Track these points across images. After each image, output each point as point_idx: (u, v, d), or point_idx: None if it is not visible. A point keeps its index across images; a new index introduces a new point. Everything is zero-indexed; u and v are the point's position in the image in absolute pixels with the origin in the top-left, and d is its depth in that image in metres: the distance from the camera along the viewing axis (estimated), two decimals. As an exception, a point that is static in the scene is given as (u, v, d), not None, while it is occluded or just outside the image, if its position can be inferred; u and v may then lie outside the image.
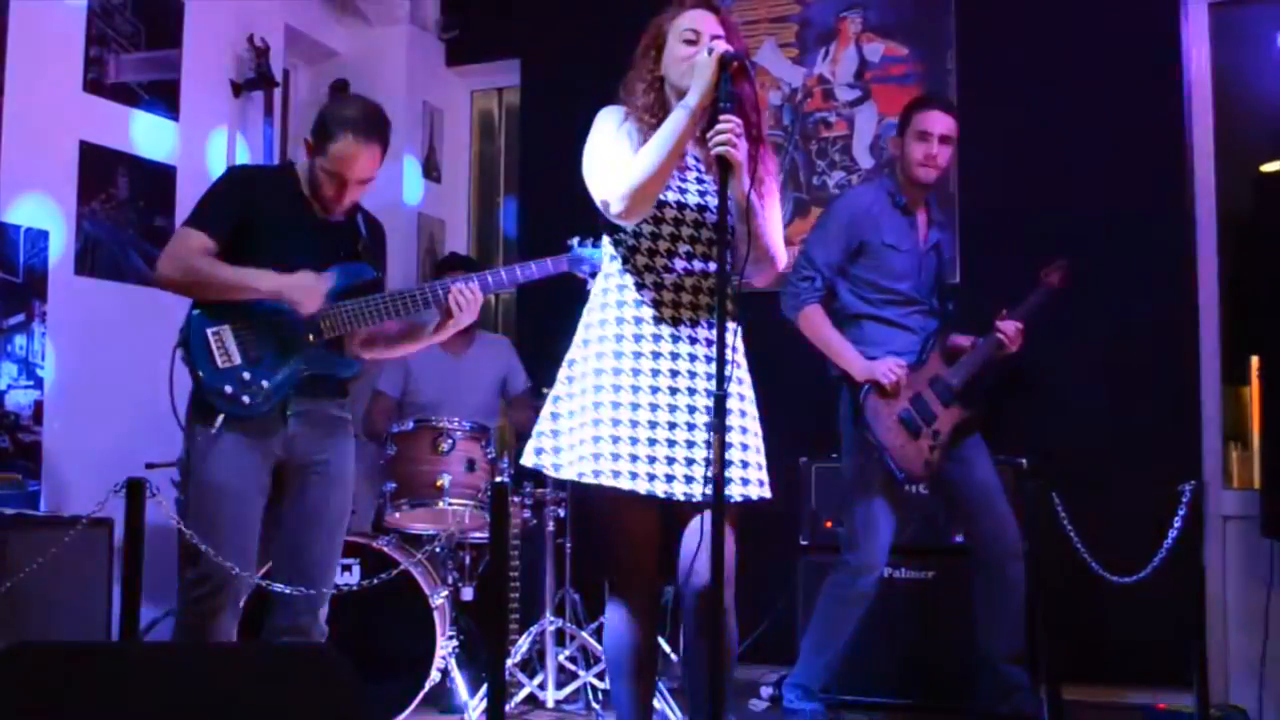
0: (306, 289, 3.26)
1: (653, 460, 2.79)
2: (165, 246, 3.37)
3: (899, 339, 4.07)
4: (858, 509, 4.07)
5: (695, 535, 2.80)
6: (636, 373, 2.82)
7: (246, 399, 3.24)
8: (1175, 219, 4.83)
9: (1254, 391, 4.67)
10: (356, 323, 3.35)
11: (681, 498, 2.80)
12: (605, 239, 2.98)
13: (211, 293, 3.25)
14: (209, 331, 3.26)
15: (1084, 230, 4.78)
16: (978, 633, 4.09)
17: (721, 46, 2.74)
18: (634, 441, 2.79)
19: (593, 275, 3.20)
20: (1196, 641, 3.72)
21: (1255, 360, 4.64)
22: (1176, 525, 3.61)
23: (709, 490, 2.65)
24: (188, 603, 3.26)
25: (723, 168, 2.67)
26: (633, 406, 2.80)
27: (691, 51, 2.81)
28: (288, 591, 3.26)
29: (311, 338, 3.31)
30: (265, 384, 3.26)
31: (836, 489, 4.44)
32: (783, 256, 2.96)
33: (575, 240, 3.47)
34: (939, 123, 4.08)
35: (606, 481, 2.78)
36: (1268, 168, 4.56)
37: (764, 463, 2.92)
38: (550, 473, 2.92)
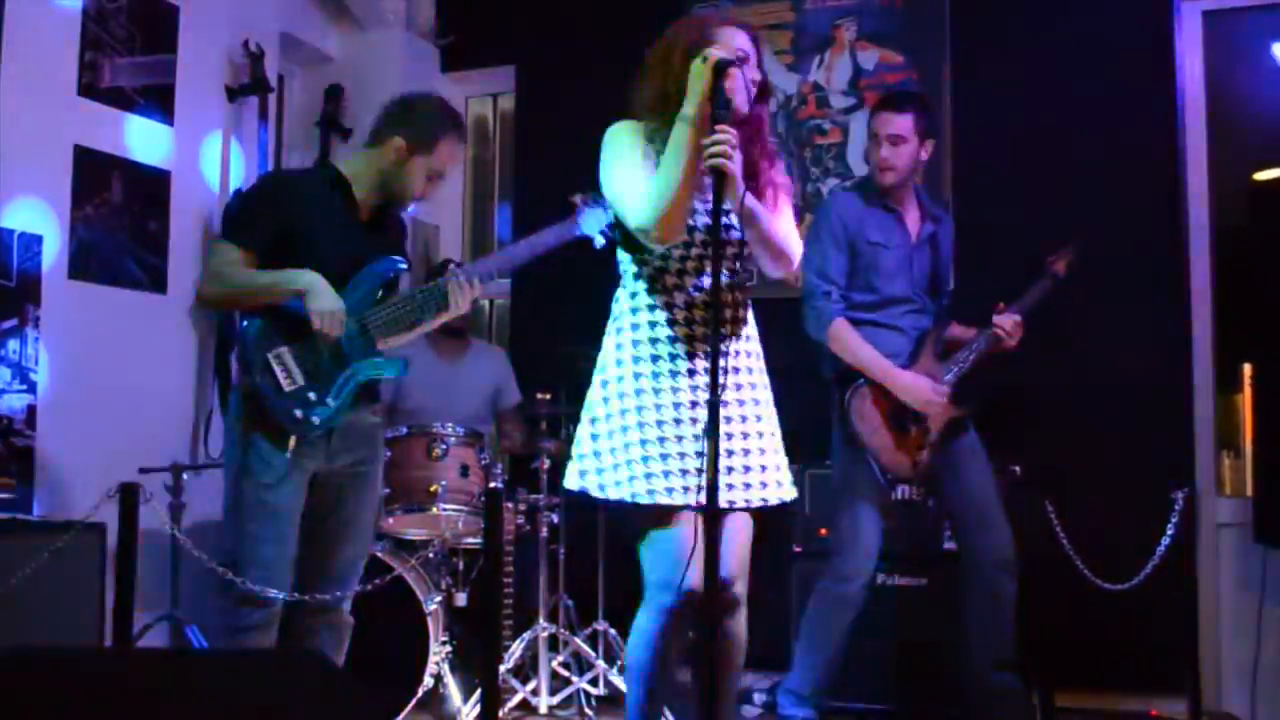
0: (329, 300, 3.20)
1: (685, 474, 2.85)
2: (205, 265, 3.36)
3: (891, 341, 4.04)
4: (844, 513, 4.05)
5: (733, 538, 2.93)
6: (675, 390, 2.90)
7: (316, 419, 3.24)
8: (1168, 227, 4.85)
9: (1246, 399, 4.68)
10: (402, 322, 3.36)
11: (725, 505, 2.86)
12: (626, 258, 3.01)
13: (255, 301, 3.24)
14: (270, 356, 3.22)
15: (1077, 236, 4.79)
16: (968, 640, 4.07)
17: (717, 53, 2.74)
18: (681, 457, 2.85)
19: (607, 238, 3.21)
20: (1189, 648, 3.74)
21: (1248, 368, 4.66)
22: (1169, 532, 3.63)
23: (749, 496, 2.92)
24: (233, 627, 3.22)
25: (717, 180, 2.67)
26: (675, 423, 2.88)
27: (734, 72, 2.78)
28: (319, 598, 3.29)
29: (366, 340, 3.30)
30: (331, 400, 3.26)
31: (830, 496, 4.44)
32: (797, 251, 2.99)
33: (579, 197, 3.36)
34: (887, 124, 4.06)
35: (662, 500, 2.84)
36: (1261, 176, 4.57)
37: (784, 463, 3.06)
38: (596, 494, 2.95)
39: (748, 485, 2.94)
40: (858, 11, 5.40)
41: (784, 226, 2.95)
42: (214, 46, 5.08)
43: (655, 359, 2.91)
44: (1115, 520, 4.28)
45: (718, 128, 2.67)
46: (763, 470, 2.96)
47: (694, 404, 2.89)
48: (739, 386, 2.94)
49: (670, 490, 2.84)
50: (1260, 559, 4.48)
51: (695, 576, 2.79)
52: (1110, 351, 4.78)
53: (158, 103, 4.82)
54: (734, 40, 2.87)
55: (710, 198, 2.73)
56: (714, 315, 2.65)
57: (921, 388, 3.97)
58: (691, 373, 2.90)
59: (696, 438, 2.85)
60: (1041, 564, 3.71)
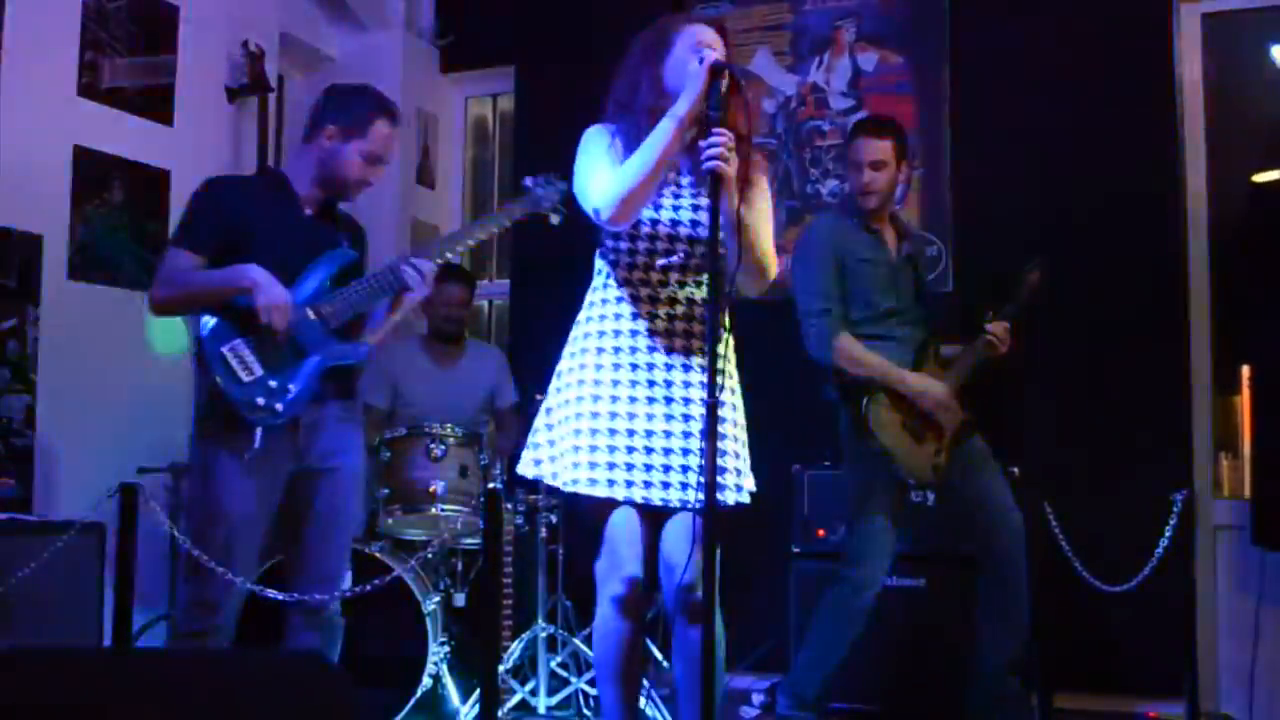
0: (275, 294, 3.22)
1: (630, 468, 2.87)
2: (156, 273, 3.37)
3: (890, 351, 4.07)
4: (861, 524, 4.05)
5: (678, 536, 2.88)
6: (619, 384, 2.91)
7: (279, 406, 3.24)
8: (1167, 228, 4.85)
9: (1245, 401, 4.68)
10: (357, 307, 3.38)
11: (659, 503, 2.88)
12: (597, 255, 3.04)
13: (209, 301, 3.25)
14: (224, 350, 3.24)
15: (1076, 238, 4.80)
16: (978, 640, 4.07)
17: (713, 56, 2.76)
18: (612, 450, 2.86)
19: (557, 214, 3.30)
20: (1187, 650, 3.74)
21: (1246, 370, 4.66)
22: (1167, 534, 3.63)
23: (691, 496, 2.81)
24: (187, 627, 3.25)
25: (714, 182, 2.67)
26: (611, 415, 2.89)
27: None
28: (305, 599, 3.29)
29: (322, 328, 3.31)
30: (293, 386, 3.26)
31: (829, 497, 4.45)
32: (773, 268, 2.98)
33: (529, 179, 3.47)
34: (865, 150, 4.10)
35: (587, 490, 2.87)
36: (1259, 178, 4.57)
37: (746, 468, 2.98)
38: (549, 480, 2.98)
39: (685, 485, 2.87)
40: (857, 13, 5.40)
41: (764, 242, 2.93)
42: (214, 47, 5.08)
43: (613, 350, 2.93)
44: (1113, 522, 4.28)
45: (715, 130, 2.68)
46: (721, 473, 2.84)
47: (645, 399, 2.89)
48: (694, 385, 2.91)
49: (612, 483, 2.86)
50: (1258, 561, 4.48)
51: (635, 564, 2.89)
52: (1108, 353, 4.79)
53: (157, 103, 4.82)
54: (702, 36, 2.90)
55: (678, 192, 2.78)
56: (712, 316, 2.64)
57: (935, 388, 4.01)
58: (651, 366, 2.91)
59: (649, 434, 2.88)
60: (1040, 565, 3.70)
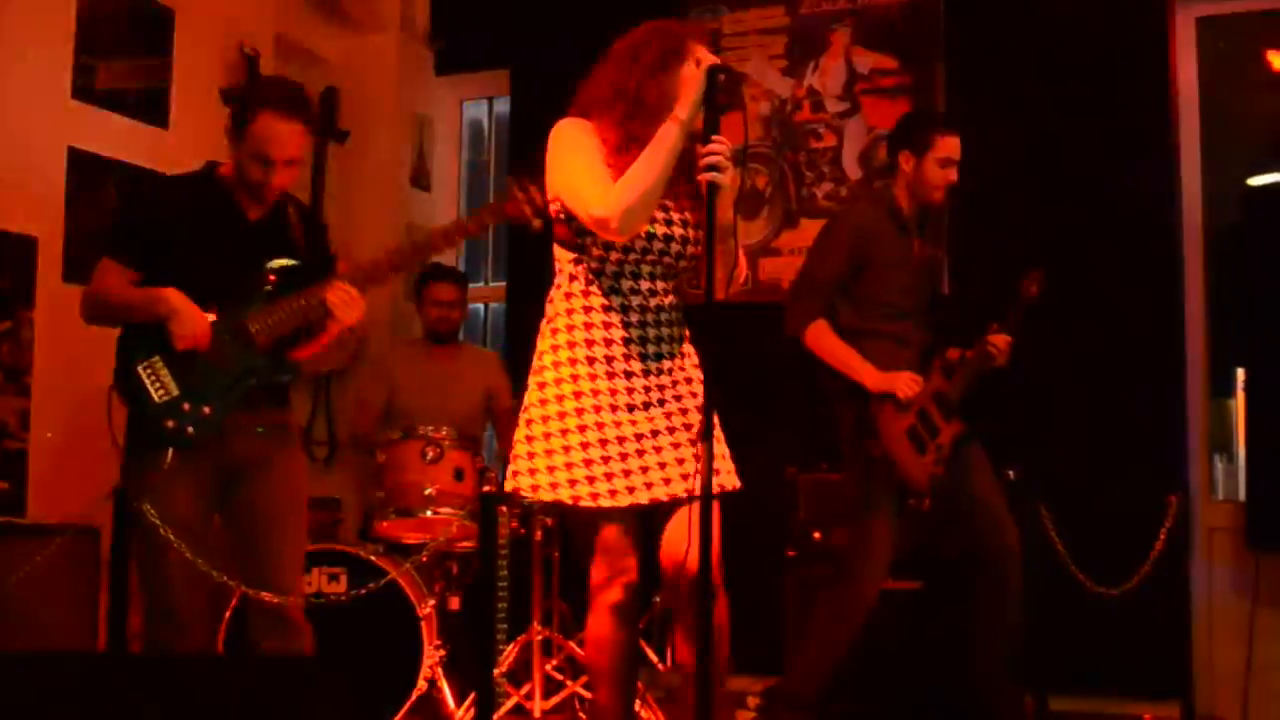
0: (190, 323, 3.10)
1: (628, 474, 2.87)
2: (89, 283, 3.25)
3: (902, 355, 4.06)
4: (861, 529, 4.04)
5: (680, 530, 2.86)
6: (613, 392, 2.89)
7: (191, 429, 3.12)
8: (1162, 231, 4.86)
9: (1239, 404, 4.69)
10: (287, 325, 3.19)
11: (650, 501, 2.89)
12: (565, 256, 2.98)
13: (116, 316, 3.17)
14: (139, 367, 3.14)
15: (1071, 241, 4.81)
16: (972, 642, 4.07)
17: (709, 59, 2.75)
18: (623, 458, 2.85)
19: (545, 220, 3.07)
20: (1182, 652, 3.75)
21: (1241, 373, 4.66)
22: (1162, 537, 3.64)
23: (690, 487, 2.82)
24: (155, 644, 3.17)
25: (710, 190, 2.64)
26: (615, 425, 2.87)
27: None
28: (263, 603, 3.18)
29: (249, 348, 3.16)
30: (207, 409, 3.13)
31: (826, 501, 4.44)
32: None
33: (512, 179, 3.13)
34: (955, 147, 4.08)
35: (605, 503, 2.85)
36: (1254, 181, 4.58)
37: (728, 452, 2.99)
38: (529, 495, 2.94)
39: (686, 476, 2.89)
40: (852, 16, 5.40)
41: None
42: (209, 49, 5.08)
43: (591, 360, 2.90)
44: (1108, 524, 4.29)
45: (714, 138, 2.65)
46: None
47: (631, 407, 2.89)
48: (675, 383, 2.95)
49: (614, 493, 2.85)
50: (1252, 564, 4.49)
51: (634, 571, 2.90)
52: (1103, 356, 4.79)
53: (152, 105, 4.81)
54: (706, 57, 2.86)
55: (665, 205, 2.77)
56: (708, 318, 2.64)
57: (901, 381, 3.96)
58: (629, 374, 2.90)
59: (639, 436, 2.88)
60: (1035, 567, 3.71)
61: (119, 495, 3.32)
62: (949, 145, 4.08)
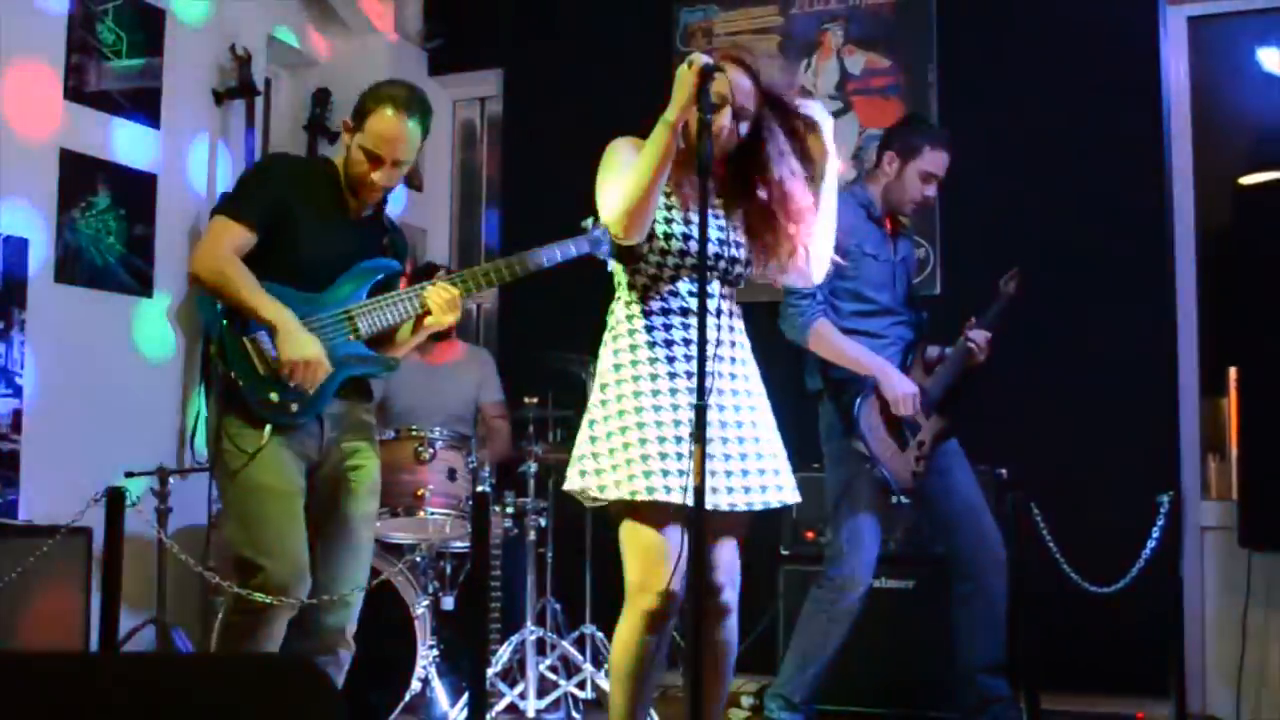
0: (304, 362, 3.10)
1: (684, 474, 2.85)
2: (202, 239, 3.25)
3: (881, 351, 4.06)
4: (844, 523, 4.05)
5: (724, 545, 3.02)
6: (673, 392, 2.95)
7: (295, 406, 3.15)
8: (1154, 231, 4.87)
9: (1232, 403, 4.69)
10: (387, 321, 3.27)
11: (726, 508, 2.94)
12: (620, 269, 3.07)
13: (227, 302, 3.15)
14: (246, 339, 3.14)
15: (1063, 241, 4.81)
16: (957, 643, 4.08)
17: (701, 59, 2.77)
18: (679, 458, 2.87)
19: (606, 256, 3.17)
20: (1174, 651, 3.75)
21: (1233, 372, 4.67)
22: (1155, 536, 3.64)
23: (750, 499, 2.97)
24: (244, 608, 3.07)
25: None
26: (674, 424, 2.92)
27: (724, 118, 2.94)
28: (325, 607, 3.18)
29: (351, 337, 3.23)
30: (309, 391, 3.15)
31: (817, 500, 4.44)
32: (815, 265, 3.12)
33: (590, 221, 3.23)
34: (941, 163, 4.09)
35: (660, 497, 2.86)
36: (1246, 180, 4.59)
37: (786, 467, 3.12)
38: (595, 494, 2.97)
39: (747, 489, 2.98)
40: (845, 16, 5.41)
41: (810, 235, 3.08)
42: (201, 50, 5.08)
43: (652, 361, 2.97)
44: (1101, 523, 4.30)
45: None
46: (760, 474, 3.01)
47: (689, 406, 2.91)
48: (735, 393, 3.02)
49: (669, 489, 2.86)
50: (1245, 562, 4.49)
51: (677, 579, 2.86)
52: (1096, 355, 4.80)
53: (145, 106, 4.81)
54: (740, 83, 2.98)
55: (695, 215, 2.84)
56: (701, 321, 2.67)
57: (908, 389, 3.98)
58: (690, 375, 2.94)
59: (680, 440, 2.90)
60: (1027, 567, 3.71)
61: (111, 496, 3.31)
62: (935, 160, 4.09)
